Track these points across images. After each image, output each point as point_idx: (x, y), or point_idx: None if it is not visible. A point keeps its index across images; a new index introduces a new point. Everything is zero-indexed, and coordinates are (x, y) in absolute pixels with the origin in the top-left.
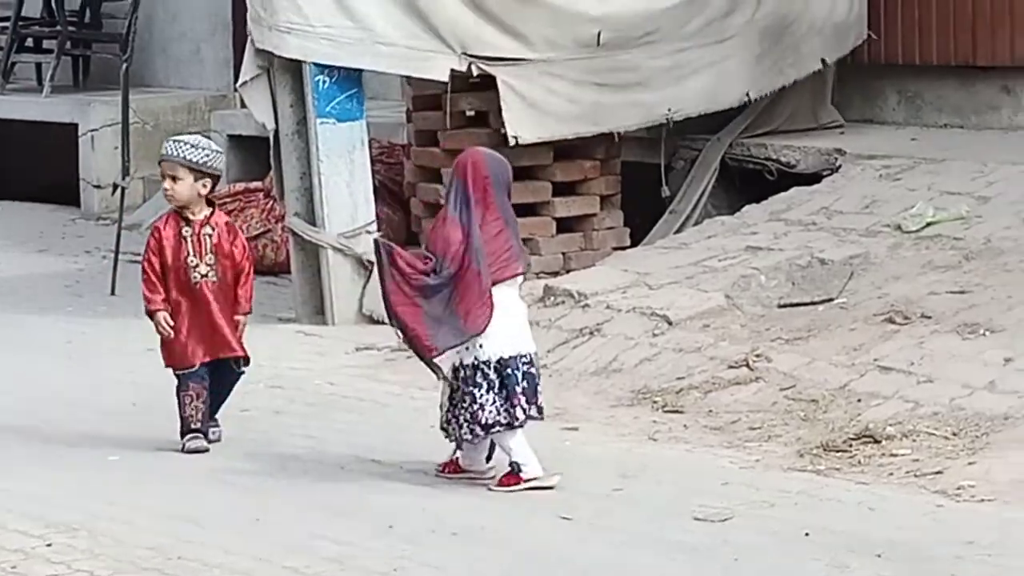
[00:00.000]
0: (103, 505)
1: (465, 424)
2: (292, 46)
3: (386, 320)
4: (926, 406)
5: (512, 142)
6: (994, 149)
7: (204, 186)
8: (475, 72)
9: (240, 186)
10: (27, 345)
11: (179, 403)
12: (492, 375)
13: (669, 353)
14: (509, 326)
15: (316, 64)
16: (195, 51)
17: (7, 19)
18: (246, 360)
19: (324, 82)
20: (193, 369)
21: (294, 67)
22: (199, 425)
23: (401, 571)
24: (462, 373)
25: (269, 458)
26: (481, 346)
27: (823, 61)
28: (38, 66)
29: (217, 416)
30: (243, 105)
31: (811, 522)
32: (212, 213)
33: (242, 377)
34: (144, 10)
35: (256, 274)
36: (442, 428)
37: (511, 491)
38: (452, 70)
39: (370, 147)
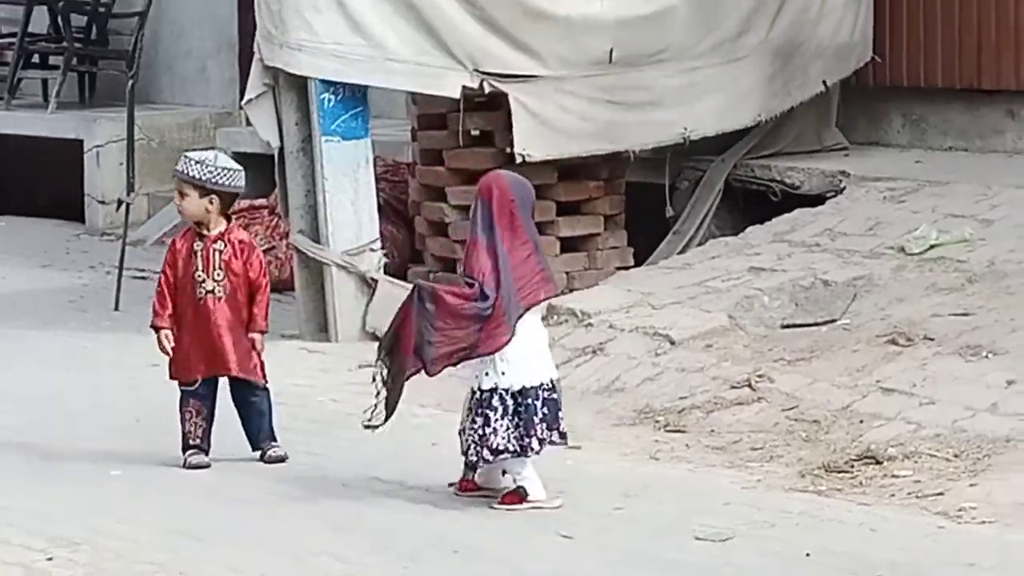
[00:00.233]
0: (105, 520)
1: (473, 446)
2: (303, 63)
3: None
4: (928, 428)
5: (520, 159)
6: (998, 172)
7: (211, 202)
8: (487, 89)
9: (245, 203)
10: (30, 359)
11: (180, 418)
12: (509, 401)
13: (672, 373)
14: (531, 353)
15: (322, 82)
16: (201, 69)
17: (14, 35)
18: (264, 380)
19: (329, 100)
20: (195, 385)
21: (299, 85)
22: (199, 441)
23: None
24: (478, 395)
25: (271, 474)
26: (504, 373)
27: (824, 83)
28: (44, 82)
29: (275, 437)
30: (248, 123)
31: (812, 543)
32: (227, 229)
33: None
34: (150, 27)
35: None
36: (463, 454)
37: (513, 510)
38: (464, 87)
39: (375, 165)
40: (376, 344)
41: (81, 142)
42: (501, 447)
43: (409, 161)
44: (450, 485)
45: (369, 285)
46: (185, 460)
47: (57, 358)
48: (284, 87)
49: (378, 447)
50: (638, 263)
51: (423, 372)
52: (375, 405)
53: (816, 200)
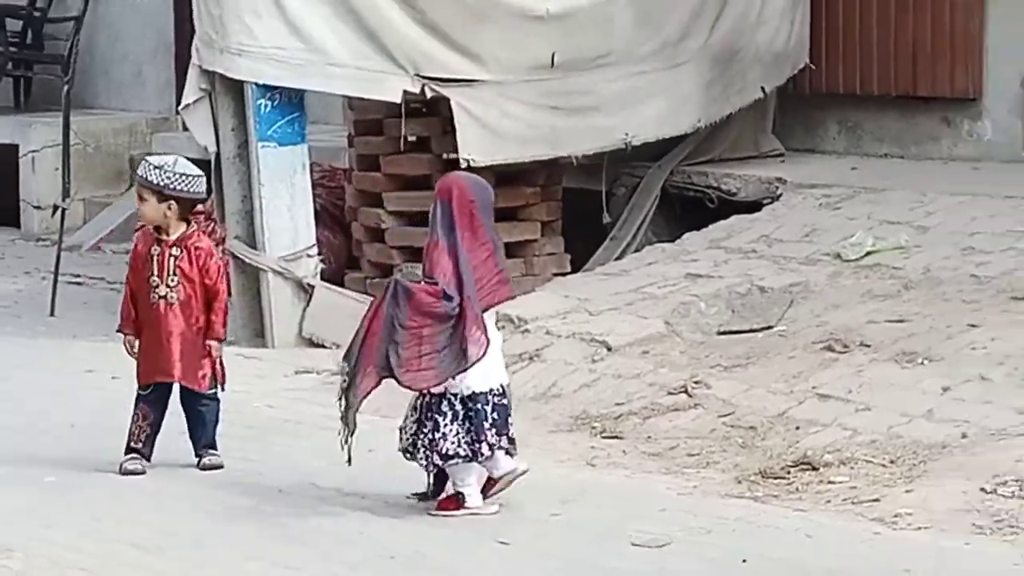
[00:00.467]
0: (38, 527)
1: (422, 450)
2: (243, 68)
3: (350, 356)
4: (864, 434)
5: (464, 164)
6: (934, 179)
7: (170, 208)
8: (428, 94)
9: None
10: None
11: (131, 419)
12: (458, 406)
13: (608, 379)
14: (486, 356)
15: (258, 87)
16: (137, 73)
17: None
18: (221, 385)
19: (266, 106)
20: (148, 390)
21: (236, 90)
22: (140, 445)
23: None
24: (427, 398)
25: (209, 481)
26: (454, 377)
27: (762, 89)
28: None
29: (215, 445)
30: (185, 128)
31: (749, 549)
32: (185, 235)
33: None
34: (86, 32)
35: None
36: (402, 451)
37: (450, 516)
38: (405, 91)
39: (311, 171)
40: (316, 349)
41: (16, 147)
42: (451, 451)
43: (346, 167)
44: (410, 496)
45: (306, 291)
46: (121, 466)
47: None
48: (221, 92)
49: (314, 453)
50: (575, 269)
51: (395, 382)
52: (344, 426)
53: (753, 207)
